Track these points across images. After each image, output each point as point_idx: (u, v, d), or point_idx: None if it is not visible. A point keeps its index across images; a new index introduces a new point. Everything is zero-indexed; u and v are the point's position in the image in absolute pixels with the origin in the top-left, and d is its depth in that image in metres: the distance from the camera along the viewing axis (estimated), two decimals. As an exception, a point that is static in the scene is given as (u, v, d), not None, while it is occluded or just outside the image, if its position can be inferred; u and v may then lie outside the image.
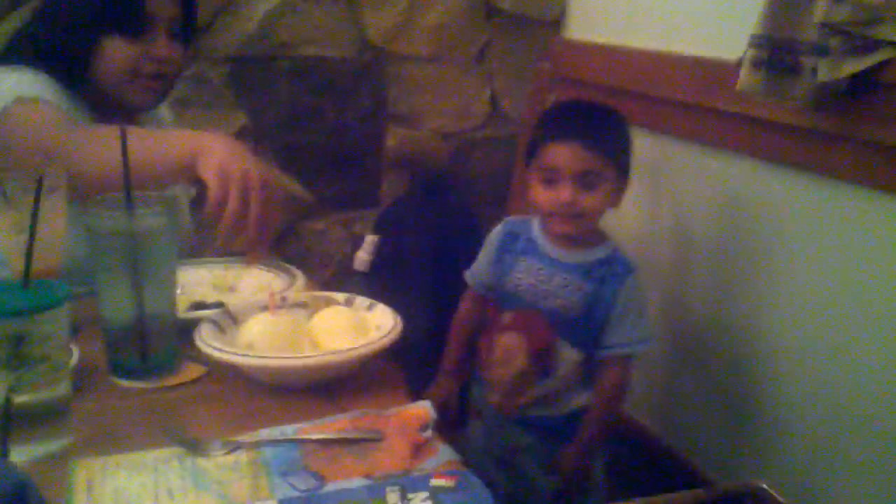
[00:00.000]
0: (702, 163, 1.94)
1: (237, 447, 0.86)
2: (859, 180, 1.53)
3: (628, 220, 2.16)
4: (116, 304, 1.00)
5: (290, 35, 2.26)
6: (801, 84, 1.45)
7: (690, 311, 2.00)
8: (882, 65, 1.38)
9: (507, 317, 1.62)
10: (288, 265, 1.35)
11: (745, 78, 1.51)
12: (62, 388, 0.86)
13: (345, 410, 0.94)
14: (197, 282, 1.31)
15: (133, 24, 1.39)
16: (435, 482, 0.81)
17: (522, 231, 1.64)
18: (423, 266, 1.80)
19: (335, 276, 2.41)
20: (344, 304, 1.12)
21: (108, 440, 0.89)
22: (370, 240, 1.90)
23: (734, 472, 1.87)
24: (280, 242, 2.32)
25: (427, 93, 2.41)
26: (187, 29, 1.49)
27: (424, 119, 2.43)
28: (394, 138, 2.41)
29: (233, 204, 1.05)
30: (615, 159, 1.55)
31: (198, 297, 1.24)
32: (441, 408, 1.39)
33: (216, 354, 0.98)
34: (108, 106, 1.46)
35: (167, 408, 0.97)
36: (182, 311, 1.13)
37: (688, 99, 1.91)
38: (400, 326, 1.04)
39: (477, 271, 1.69)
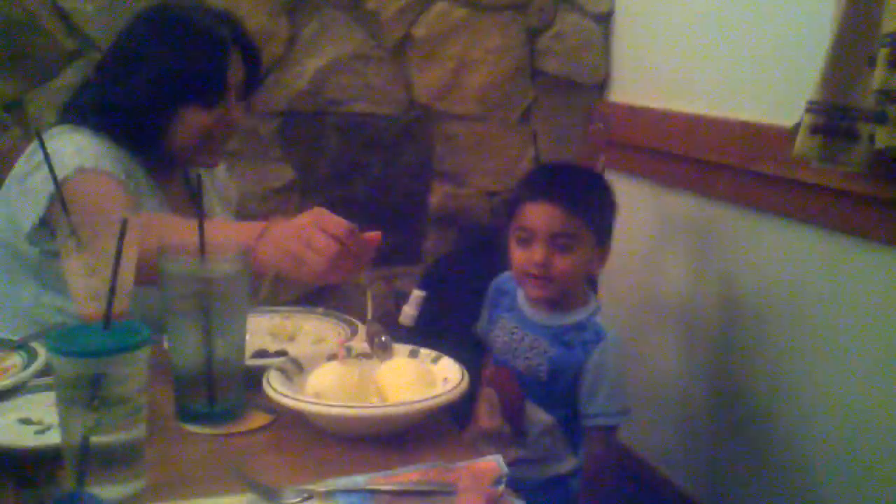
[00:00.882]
0: (749, 227, 1.93)
1: (310, 496, 0.86)
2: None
3: (673, 283, 2.16)
4: (186, 350, 1.01)
5: (340, 92, 2.30)
6: (858, 150, 1.46)
7: (736, 377, 1.98)
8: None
9: (489, 371, 1.63)
10: (347, 316, 1.35)
11: (801, 143, 1.51)
12: (139, 431, 0.87)
13: (411, 461, 0.93)
14: (255, 330, 1.30)
15: (214, 94, 1.41)
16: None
17: (510, 289, 1.64)
18: (468, 323, 1.80)
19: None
20: (409, 356, 1.12)
21: (179, 485, 0.89)
22: (417, 294, 1.90)
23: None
24: (320, 295, 2.33)
25: (472, 151, 2.43)
26: (250, 90, 1.52)
27: (469, 177, 2.45)
28: (438, 195, 2.43)
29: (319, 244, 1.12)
30: (593, 223, 1.54)
31: (258, 346, 1.24)
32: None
33: (287, 402, 0.98)
34: (166, 166, 1.48)
35: (235, 454, 0.97)
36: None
37: (735, 163, 1.92)
38: (467, 380, 1.04)
39: (480, 322, 1.72)
